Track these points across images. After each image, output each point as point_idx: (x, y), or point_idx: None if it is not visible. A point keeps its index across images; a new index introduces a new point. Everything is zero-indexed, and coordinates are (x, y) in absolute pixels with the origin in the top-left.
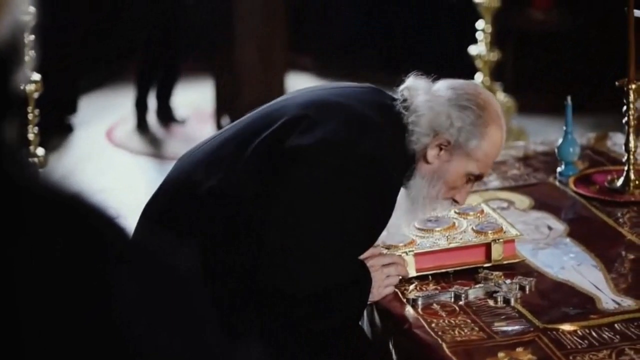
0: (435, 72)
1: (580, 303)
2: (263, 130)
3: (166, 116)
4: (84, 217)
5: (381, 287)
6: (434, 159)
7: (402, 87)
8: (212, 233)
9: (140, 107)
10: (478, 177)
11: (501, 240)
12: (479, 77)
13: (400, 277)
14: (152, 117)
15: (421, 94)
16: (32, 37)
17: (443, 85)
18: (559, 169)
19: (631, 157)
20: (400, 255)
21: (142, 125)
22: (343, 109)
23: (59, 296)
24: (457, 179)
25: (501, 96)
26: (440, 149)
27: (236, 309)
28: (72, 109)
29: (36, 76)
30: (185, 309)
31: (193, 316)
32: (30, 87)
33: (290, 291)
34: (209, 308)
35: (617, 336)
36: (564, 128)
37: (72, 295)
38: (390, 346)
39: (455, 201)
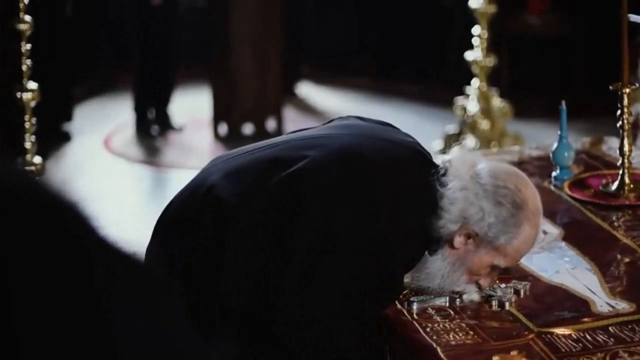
0: (430, 78)
1: (574, 306)
2: (290, 164)
3: (163, 124)
4: (71, 228)
5: None
6: (460, 245)
7: (447, 158)
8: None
9: (140, 114)
10: (504, 269)
11: None
12: (475, 82)
13: None
14: (150, 125)
15: (461, 174)
16: (29, 45)
17: (485, 169)
18: (553, 173)
19: (626, 161)
20: None
21: (141, 132)
22: (375, 168)
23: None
24: (481, 268)
25: (497, 101)
26: (468, 237)
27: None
28: (69, 117)
29: (33, 85)
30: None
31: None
32: (27, 96)
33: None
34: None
35: (612, 339)
36: (559, 132)
37: (61, 301)
38: (386, 351)
39: (478, 285)
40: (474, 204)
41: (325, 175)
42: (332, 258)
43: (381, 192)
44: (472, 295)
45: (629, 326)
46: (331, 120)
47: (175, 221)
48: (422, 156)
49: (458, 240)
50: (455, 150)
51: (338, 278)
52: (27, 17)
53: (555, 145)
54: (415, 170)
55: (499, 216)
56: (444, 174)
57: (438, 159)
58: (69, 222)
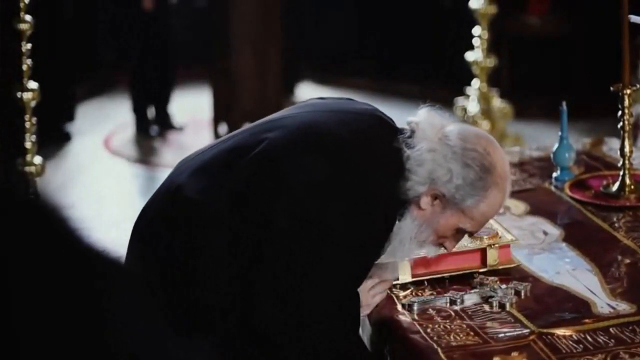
0: (431, 78)
1: (575, 307)
2: (249, 150)
3: (163, 124)
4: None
5: (369, 306)
6: (427, 206)
7: (412, 119)
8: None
9: (139, 114)
10: (469, 233)
11: (496, 245)
12: (475, 83)
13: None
14: (150, 124)
15: (428, 136)
16: (29, 45)
17: (454, 132)
18: (554, 174)
19: (626, 162)
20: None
21: (141, 132)
22: (337, 142)
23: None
24: (447, 230)
25: (497, 102)
26: (435, 198)
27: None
28: (70, 117)
29: (33, 85)
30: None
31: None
32: (27, 96)
33: (279, 336)
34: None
35: (612, 340)
36: (560, 133)
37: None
38: (386, 351)
39: (444, 246)
40: (442, 165)
41: (287, 156)
42: (309, 242)
43: (346, 165)
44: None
45: (630, 327)
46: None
47: (150, 224)
48: (382, 121)
49: (425, 201)
50: (423, 112)
51: (317, 262)
52: (28, 17)
53: (555, 146)
54: (378, 135)
55: (467, 178)
56: (411, 136)
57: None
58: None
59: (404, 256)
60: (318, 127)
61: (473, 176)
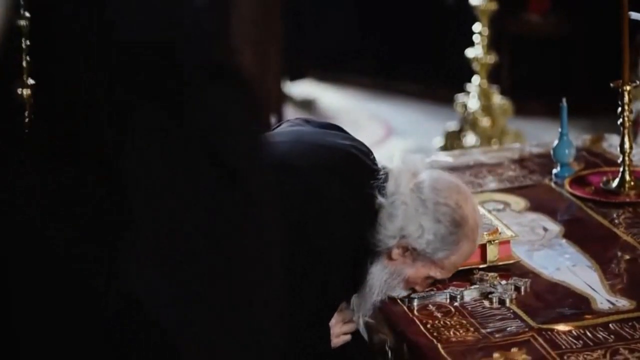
0: (431, 75)
1: (575, 303)
2: None
3: None
4: None
5: (338, 336)
6: (398, 257)
7: (386, 165)
8: None
9: None
10: (439, 280)
11: (496, 241)
12: (476, 80)
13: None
14: None
15: (401, 185)
16: (29, 42)
17: (427, 183)
18: (554, 171)
19: (626, 158)
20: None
21: None
22: (302, 178)
23: None
24: (417, 279)
25: (498, 99)
26: (406, 250)
27: None
28: None
29: (32, 81)
30: None
31: None
32: (27, 92)
33: None
34: None
35: (612, 336)
36: (560, 130)
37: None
38: (387, 347)
39: (413, 290)
40: (413, 221)
41: None
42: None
43: (307, 206)
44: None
45: (629, 323)
46: (280, 124)
47: None
48: (357, 160)
49: (396, 252)
50: (398, 157)
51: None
52: (27, 13)
53: (555, 142)
54: (348, 176)
55: (438, 234)
56: (384, 181)
57: (379, 164)
58: None
59: (374, 300)
60: (290, 164)
61: (444, 231)
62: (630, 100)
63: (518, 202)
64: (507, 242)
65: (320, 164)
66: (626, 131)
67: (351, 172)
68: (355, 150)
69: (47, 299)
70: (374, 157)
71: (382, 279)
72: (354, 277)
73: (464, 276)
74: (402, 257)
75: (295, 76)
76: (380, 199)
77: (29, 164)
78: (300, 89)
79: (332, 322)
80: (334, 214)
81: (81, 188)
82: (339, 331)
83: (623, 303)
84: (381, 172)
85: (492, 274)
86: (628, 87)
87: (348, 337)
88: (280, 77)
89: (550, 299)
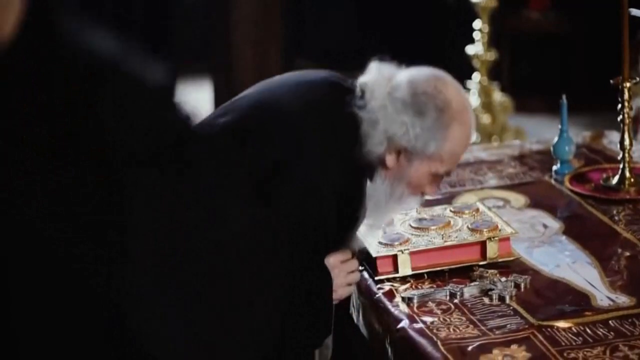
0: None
1: (575, 300)
2: None
3: None
4: None
5: (342, 286)
6: (393, 163)
7: (362, 79)
8: None
9: None
10: (445, 174)
11: (496, 238)
12: (476, 77)
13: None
14: None
15: (377, 94)
16: None
17: (403, 81)
18: (554, 167)
19: (626, 155)
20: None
21: None
22: (288, 117)
23: None
24: (421, 179)
25: (498, 96)
26: (399, 153)
27: None
28: None
29: None
30: None
31: None
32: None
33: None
34: None
35: (612, 333)
36: (560, 126)
37: None
38: (387, 344)
39: (424, 194)
40: (395, 120)
41: (241, 139)
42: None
43: (301, 140)
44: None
45: (629, 320)
46: None
47: None
48: (336, 86)
49: (389, 159)
50: (372, 67)
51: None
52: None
53: (556, 139)
54: (330, 103)
55: (423, 125)
56: (362, 96)
57: (355, 82)
58: None
59: (386, 217)
60: (268, 105)
61: (429, 121)
62: (630, 97)
63: (518, 199)
64: (507, 239)
65: (295, 98)
66: (626, 128)
67: (331, 97)
68: (334, 78)
69: (47, 299)
70: (351, 81)
71: (385, 192)
72: (353, 204)
73: (464, 273)
74: (396, 163)
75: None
76: (360, 113)
77: (29, 164)
78: None
79: (335, 272)
80: (317, 144)
81: (81, 188)
82: (343, 281)
83: (623, 300)
84: (358, 89)
85: (492, 270)
86: (628, 84)
87: (352, 288)
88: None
89: (550, 296)
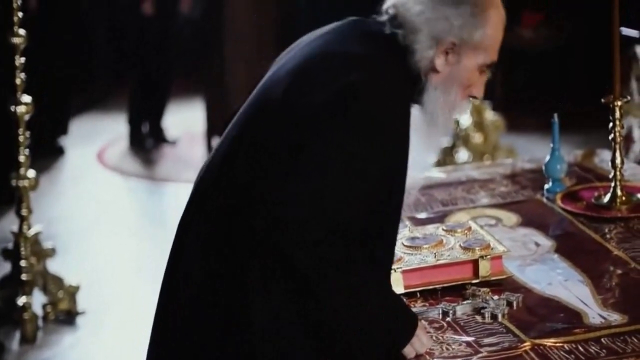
0: None
1: (567, 318)
2: (261, 121)
3: (157, 137)
4: None
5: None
6: (443, 65)
7: (385, 5)
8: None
9: (134, 127)
10: (490, 65)
11: (488, 256)
12: None
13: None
14: (144, 138)
15: (409, 6)
16: (23, 59)
17: None
18: (546, 186)
19: (618, 173)
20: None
21: (135, 146)
22: (329, 59)
23: None
24: (472, 75)
25: (490, 115)
26: (447, 54)
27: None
28: (63, 130)
29: (27, 98)
30: None
31: None
32: (21, 109)
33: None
34: None
35: (604, 350)
36: (551, 145)
37: None
38: None
39: (474, 97)
40: (438, 18)
41: (291, 98)
42: (337, 150)
43: (346, 71)
44: (465, 307)
45: (621, 337)
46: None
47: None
48: (360, 21)
49: (439, 63)
50: None
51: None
52: (21, 31)
53: (547, 157)
54: (363, 31)
55: (465, 14)
56: (394, 18)
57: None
58: None
59: (444, 127)
60: (310, 58)
61: (469, 9)
62: (621, 115)
63: (510, 217)
64: (499, 257)
65: (335, 41)
66: (617, 146)
67: (361, 30)
68: (354, 17)
69: None
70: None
71: (439, 99)
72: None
73: (457, 291)
74: (446, 64)
75: None
76: (399, 31)
77: None
78: None
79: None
80: (369, 74)
81: None
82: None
83: (615, 317)
84: (385, 12)
85: (484, 289)
86: (619, 103)
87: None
88: None
89: (543, 314)
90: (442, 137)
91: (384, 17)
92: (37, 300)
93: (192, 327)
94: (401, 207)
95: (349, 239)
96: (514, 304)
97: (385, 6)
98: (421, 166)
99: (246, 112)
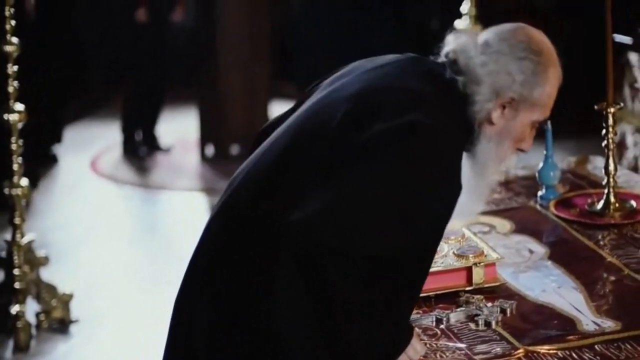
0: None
1: (560, 325)
2: (327, 126)
3: (151, 145)
4: None
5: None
6: (499, 119)
7: (445, 49)
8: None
9: (127, 135)
10: (542, 121)
11: (482, 263)
12: None
13: None
14: (137, 146)
15: (472, 54)
16: (16, 67)
17: (492, 38)
18: (539, 193)
19: (611, 180)
20: None
21: (128, 154)
22: (391, 92)
23: None
24: (525, 130)
25: None
26: (504, 107)
27: None
28: (57, 139)
29: (20, 106)
30: None
31: None
32: (14, 117)
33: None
34: None
35: (597, 357)
36: (545, 152)
37: None
38: None
39: (522, 150)
40: (500, 71)
41: (351, 123)
42: (387, 181)
43: (408, 106)
44: (457, 315)
45: (615, 344)
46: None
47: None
48: (421, 59)
49: (496, 116)
50: (450, 38)
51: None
52: (14, 39)
53: (541, 164)
54: (424, 70)
55: (526, 71)
56: (455, 63)
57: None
58: None
59: (491, 179)
60: (372, 86)
61: (531, 65)
62: (614, 122)
63: (504, 224)
64: (493, 264)
65: (397, 75)
66: (611, 153)
67: (422, 69)
68: (411, 54)
69: None
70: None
71: (492, 151)
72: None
73: (450, 299)
74: (502, 118)
75: (283, 97)
76: (460, 78)
77: None
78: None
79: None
80: (431, 112)
81: None
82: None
83: (608, 324)
84: (445, 56)
85: (478, 296)
86: (612, 110)
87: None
88: (267, 98)
89: (536, 321)
90: (489, 188)
91: (443, 59)
92: (30, 309)
93: (214, 328)
94: (434, 252)
95: (381, 271)
96: (508, 311)
97: (445, 50)
98: (466, 214)
99: (294, 129)
